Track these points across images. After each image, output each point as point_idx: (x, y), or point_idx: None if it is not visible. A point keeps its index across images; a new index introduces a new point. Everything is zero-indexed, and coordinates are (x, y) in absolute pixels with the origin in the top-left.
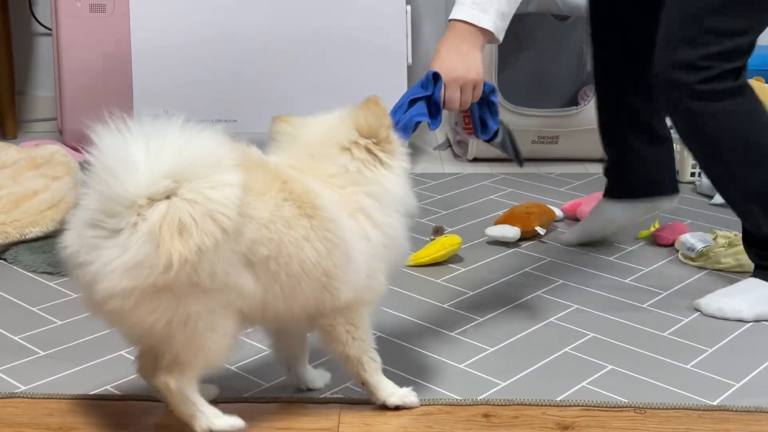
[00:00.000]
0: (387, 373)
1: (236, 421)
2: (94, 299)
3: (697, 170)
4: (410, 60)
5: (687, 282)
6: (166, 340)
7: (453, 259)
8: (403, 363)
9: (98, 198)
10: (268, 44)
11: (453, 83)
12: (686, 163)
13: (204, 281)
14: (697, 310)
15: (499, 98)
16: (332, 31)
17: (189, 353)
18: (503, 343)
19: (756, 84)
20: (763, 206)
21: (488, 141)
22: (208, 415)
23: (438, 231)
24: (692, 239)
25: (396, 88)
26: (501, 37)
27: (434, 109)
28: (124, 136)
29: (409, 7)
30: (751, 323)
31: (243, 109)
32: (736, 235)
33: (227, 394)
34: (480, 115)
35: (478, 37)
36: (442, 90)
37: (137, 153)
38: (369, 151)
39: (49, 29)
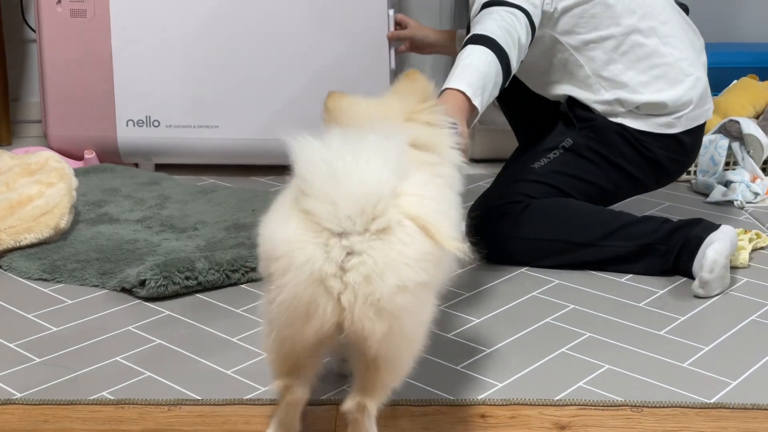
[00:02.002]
0: None
1: None
2: (370, 298)
3: (693, 169)
4: (393, 65)
5: (682, 281)
6: (400, 349)
7: None
8: None
9: (347, 204)
10: (250, 49)
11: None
12: None
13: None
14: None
15: None
16: (315, 36)
17: (404, 367)
18: (500, 344)
19: (749, 81)
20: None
21: None
22: None
23: None
24: None
25: (380, 93)
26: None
27: None
28: (352, 143)
29: (391, 11)
30: (746, 322)
31: (225, 114)
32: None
33: (224, 396)
34: None
35: (466, 111)
36: None
37: (374, 157)
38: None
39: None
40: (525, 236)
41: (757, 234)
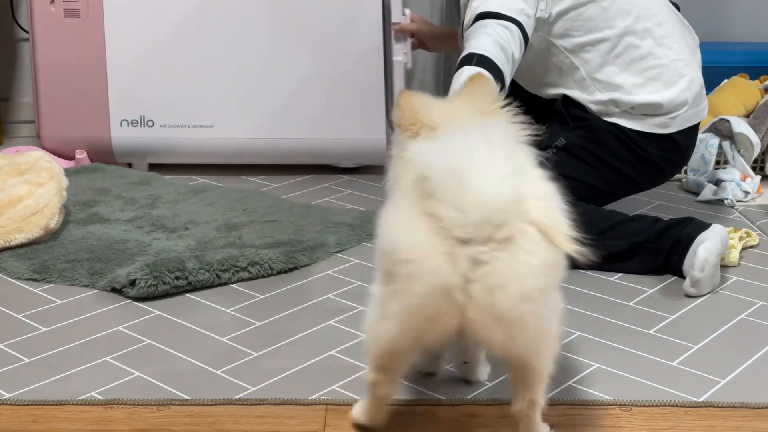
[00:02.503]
0: None
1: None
2: (493, 309)
3: (684, 167)
4: (410, 64)
5: (672, 279)
6: (532, 348)
7: None
8: None
9: (475, 212)
10: (245, 48)
11: None
12: None
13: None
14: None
15: None
16: (309, 37)
17: (549, 361)
18: None
19: (739, 80)
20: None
21: None
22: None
23: None
24: None
25: (374, 95)
26: None
27: None
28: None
29: (408, 10)
30: (735, 321)
31: (219, 114)
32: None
33: (213, 396)
34: None
35: None
36: None
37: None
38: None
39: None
40: None
41: (747, 233)
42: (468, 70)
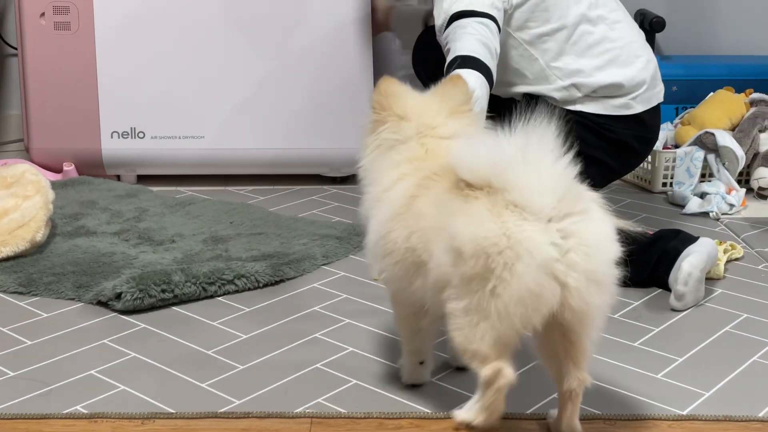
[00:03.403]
0: (359, 387)
1: None
2: (593, 275)
3: (669, 180)
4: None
5: (657, 292)
6: (602, 318)
7: None
8: (375, 376)
9: (553, 192)
10: (235, 60)
11: None
12: (658, 173)
13: None
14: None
15: None
16: (297, 50)
17: (598, 332)
18: None
19: (725, 93)
20: None
21: None
22: None
23: None
24: None
25: (362, 105)
26: None
27: None
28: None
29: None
30: (720, 333)
31: (210, 125)
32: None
33: (198, 410)
34: None
35: None
36: None
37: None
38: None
39: (16, 49)
40: None
41: (731, 245)
42: (461, 73)
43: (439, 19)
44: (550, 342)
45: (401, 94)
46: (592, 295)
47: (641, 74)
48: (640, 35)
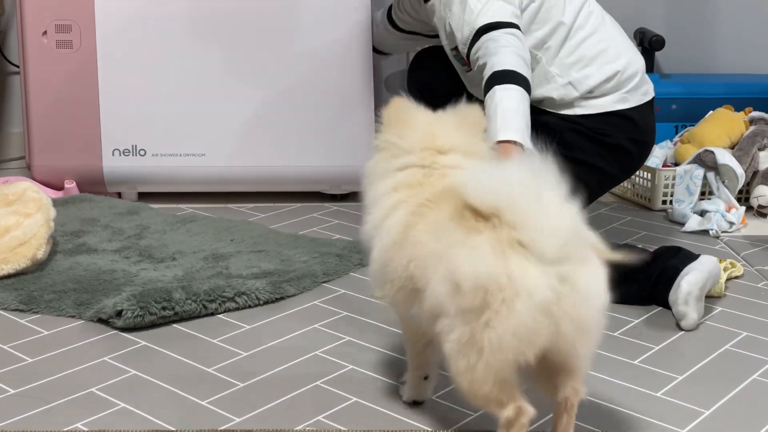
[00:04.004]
0: (359, 405)
1: None
2: (582, 322)
3: (669, 198)
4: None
5: (657, 310)
6: (593, 350)
7: None
8: (376, 394)
9: (559, 235)
10: (235, 78)
11: None
12: (657, 191)
13: None
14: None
15: None
16: (298, 67)
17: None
18: None
19: (724, 112)
20: None
21: None
22: None
23: None
24: None
25: (362, 122)
26: None
27: None
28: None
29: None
30: (720, 351)
31: (211, 142)
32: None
33: (199, 427)
34: None
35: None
36: None
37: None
38: None
39: (18, 67)
40: None
41: (731, 263)
42: (502, 92)
43: (463, 32)
44: (543, 364)
45: (411, 115)
46: (578, 339)
47: (633, 65)
48: (624, 34)
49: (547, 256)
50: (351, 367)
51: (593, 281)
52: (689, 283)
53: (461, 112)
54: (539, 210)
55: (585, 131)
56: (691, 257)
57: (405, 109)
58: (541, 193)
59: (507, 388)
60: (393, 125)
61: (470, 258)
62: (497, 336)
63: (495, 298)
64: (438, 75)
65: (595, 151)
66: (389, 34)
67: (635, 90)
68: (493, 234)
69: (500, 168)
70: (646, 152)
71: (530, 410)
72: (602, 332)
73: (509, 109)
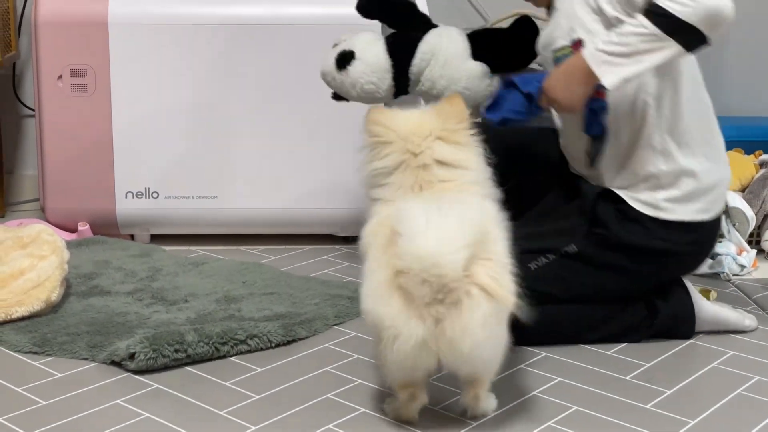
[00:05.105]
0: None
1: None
2: (457, 355)
3: None
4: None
5: (670, 353)
6: (489, 366)
7: None
8: None
9: (433, 283)
10: (247, 121)
11: (550, 102)
12: None
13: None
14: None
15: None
16: (309, 109)
17: (495, 368)
18: (486, 417)
19: (734, 155)
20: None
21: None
22: (491, 398)
23: None
24: None
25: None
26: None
27: (531, 107)
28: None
29: None
30: (732, 395)
31: (223, 185)
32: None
33: None
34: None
35: (592, 80)
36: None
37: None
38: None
39: (33, 110)
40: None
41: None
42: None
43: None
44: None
45: (391, 119)
46: (459, 367)
47: (727, 171)
48: None
49: (422, 300)
50: (362, 410)
51: (465, 323)
52: (705, 306)
53: (442, 106)
54: (418, 258)
55: (650, 239)
56: (684, 308)
57: (386, 115)
58: (428, 243)
59: (408, 385)
60: (376, 130)
61: (369, 293)
62: (388, 362)
63: (383, 334)
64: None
65: (649, 260)
66: None
67: (721, 198)
68: (387, 270)
69: (413, 200)
70: (700, 260)
71: (424, 399)
72: (493, 355)
73: (640, 50)
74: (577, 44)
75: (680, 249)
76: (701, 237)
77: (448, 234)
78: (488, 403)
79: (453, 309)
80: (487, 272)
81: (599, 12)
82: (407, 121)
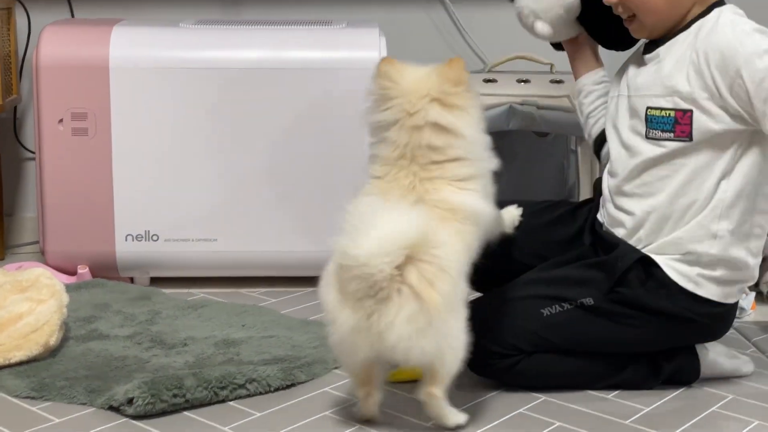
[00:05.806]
0: None
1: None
2: (387, 344)
3: None
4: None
5: (669, 397)
6: (438, 359)
7: None
8: None
9: (361, 280)
10: (248, 164)
11: None
12: None
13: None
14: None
15: None
16: (310, 152)
17: (448, 368)
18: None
19: None
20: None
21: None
22: (454, 412)
23: None
24: None
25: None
26: None
27: None
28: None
29: None
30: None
31: (223, 228)
32: None
33: None
34: None
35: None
36: None
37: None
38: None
39: (34, 153)
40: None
41: None
42: None
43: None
44: None
45: (399, 72)
46: (392, 356)
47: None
48: None
49: (353, 294)
50: None
51: (391, 318)
52: (707, 353)
53: (442, 66)
54: (348, 259)
55: (674, 311)
56: (689, 362)
57: (395, 67)
58: (355, 246)
59: (359, 378)
60: (383, 77)
61: (322, 278)
62: (330, 342)
63: (328, 318)
64: None
65: (668, 325)
66: None
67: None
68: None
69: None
70: (717, 334)
71: (377, 396)
72: (437, 351)
73: None
74: (686, 115)
75: (703, 321)
76: (726, 314)
77: (385, 235)
78: (449, 414)
79: (382, 305)
80: (420, 273)
81: (717, 97)
82: (410, 78)
